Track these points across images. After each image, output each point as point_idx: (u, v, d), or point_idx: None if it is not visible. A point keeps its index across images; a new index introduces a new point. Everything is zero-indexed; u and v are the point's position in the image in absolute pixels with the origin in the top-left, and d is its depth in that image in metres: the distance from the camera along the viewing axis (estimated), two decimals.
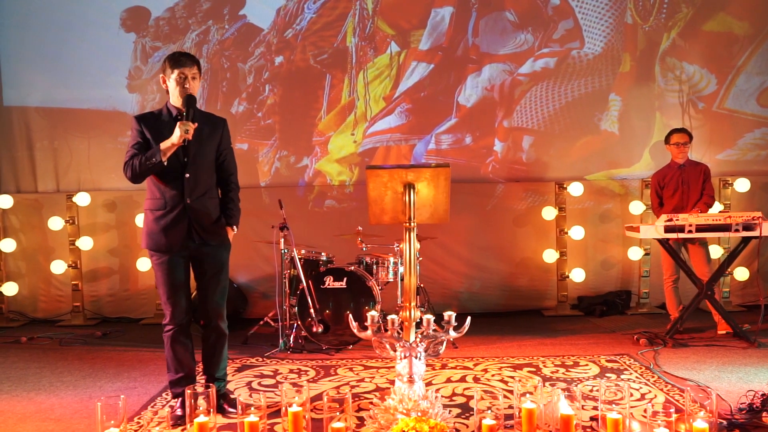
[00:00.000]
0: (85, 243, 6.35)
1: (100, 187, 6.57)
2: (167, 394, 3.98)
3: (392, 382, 3.54)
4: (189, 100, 3.40)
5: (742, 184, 6.27)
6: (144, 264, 6.34)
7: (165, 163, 3.36)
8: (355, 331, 3.32)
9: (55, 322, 6.36)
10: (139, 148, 3.43)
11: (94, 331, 5.90)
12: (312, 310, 4.95)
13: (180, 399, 3.53)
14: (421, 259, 5.57)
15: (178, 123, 3.33)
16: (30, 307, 6.53)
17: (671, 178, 5.36)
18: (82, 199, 6.34)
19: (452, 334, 3.25)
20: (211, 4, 6.51)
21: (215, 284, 3.64)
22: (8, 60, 6.56)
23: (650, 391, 3.83)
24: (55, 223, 6.30)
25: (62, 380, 4.40)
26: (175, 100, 3.47)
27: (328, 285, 5.10)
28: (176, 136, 3.31)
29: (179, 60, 3.43)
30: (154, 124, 3.47)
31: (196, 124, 3.39)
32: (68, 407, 3.84)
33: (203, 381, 3.76)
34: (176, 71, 3.41)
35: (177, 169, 3.45)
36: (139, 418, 3.59)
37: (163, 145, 3.34)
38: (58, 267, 6.32)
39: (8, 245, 6.37)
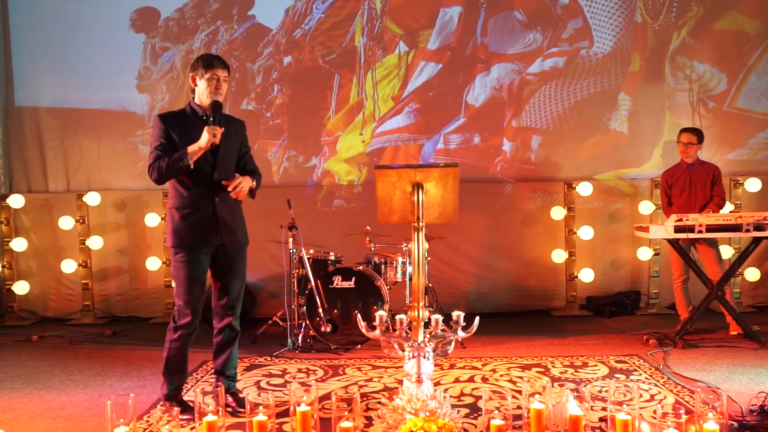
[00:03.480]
0: (95, 242, 6.38)
1: (110, 187, 6.61)
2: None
3: (400, 382, 3.54)
4: (216, 105, 3.47)
5: (753, 184, 6.23)
6: (153, 263, 6.37)
7: (192, 167, 3.42)
8: (363, 330, 3.33)
9: (66, 320, 6.40)
10: (163, 149, 3.46)
11: (104, 329, 5.93)
12: (320, 310, 4.96)
13: (181, 407, 3.54)
14: (429, 258, 5.56)
15: (207, 127, 3.39)
16: (41, 306, 6.58)
17: (679, 178, 5.33)
18: (92, 198, 6.37)
19: (461, 334, 3.24)
20: (220, 4, 6.53)
21: (235, 283, 3.69)
22: (19, 61, 6.60)
23: (660, 392, 3.82)
24: (66, 222, 6.34)
25: (72, 378, 4.43)
26: (204, 99, 3.52)
27: (337, 285, 5.11)
28: (204, 140, 3.38)
29: (212, 62, 3.51)
30: (179, 123, 3.51)
31: (223, 129, 3.46)
32: (78, 405, 3.86)
33: (212, 380, 3.77)
34: (210, 72, 3.48)
35: (205, 170, 3.51)
36: (148, 417, 3.61)
37: (191, 149, 3.40)
38: (69, 266, 6.36)
39: (19, 244, 6.42)
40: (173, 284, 3.60)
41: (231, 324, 3.69)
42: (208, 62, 3.50)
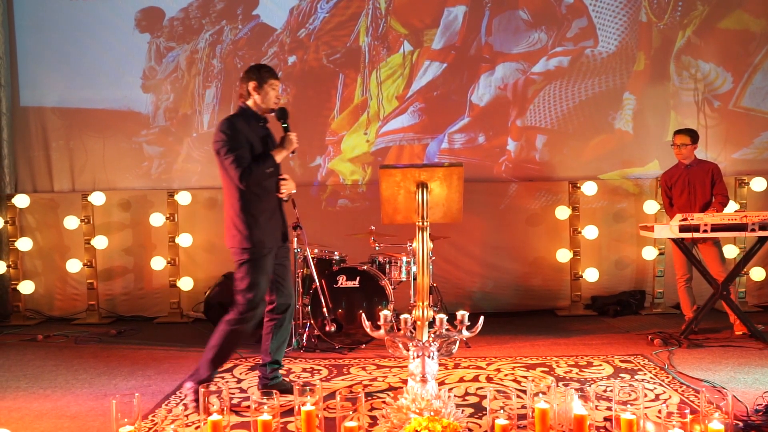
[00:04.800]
0: (100, 242, 6.40)
1: (115, 187, 6.62)
2: (181, 392, 4.01)
3: (405, 382, 3.54)
4: (285, 111, 3.84)
5: (759, 183, 6.20)
6: (158, 263, 6.38)
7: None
8: (367, 330, 3.33)
9: (71, 320, 6.42)
10: (244, 152, 3.65)
11: (109, 329, 5.94)
12: (325, 310, 4.96)
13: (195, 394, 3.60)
14: (434, 258, 5.56)
15: (291, 134, 3.79)
16: (46, 306, 6.60)
17: (678, 178, 5.32)
18: (97, 198, 6.39)
19: (465, 333, 3.24)
20: (224, 4, 6.54)
21: (289, 275, 4.02)
22: (25, 61, 6.62)
23: (665, 392, 3.81)
24: (71, 222, 6.36)
25: (77, 378, 4.45)
26: (261, 105, 3.78)
27: (341, 284, 5.11)
28: (288, 144, 3.78)
29: (269, 73, 3.79)
30: (246, 126, 3.73)
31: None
32: (83, 405, 3.88)
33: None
34: (275, 81, 3.80)
35: (276, 173, 3.80)
36: (153, 416, 3.62)
37: (279, 155, 3.76)
38: (74, 266, 6.38)
39: (25, 244, 6.44)
40: (241, 279, 3.73)
41: (292, 310, 4.03)
42: (266, 74, 3.77)
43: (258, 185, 3.69)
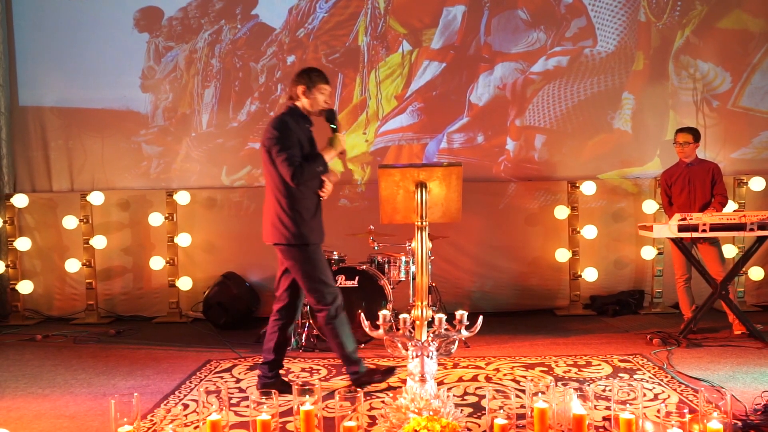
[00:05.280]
0: (99, 242, 6.39)
1: (113, 186, 6.62)
2: (180, 392, 4.02)
3: (404, 381, 3.54)
4: (333, 113, 3.93)
5: (757, 183, 6.21)
6: (157, 263, 6.38)
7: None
8: (366, 330, 3.33)
9: (70, 320, 6.41)
10: (296, 151, 3.74)
11: (108, 329, 5.94)
12: None
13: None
14: (432, 258, 5.56)
15: (340, 136, 3.89)
16: (45, 305, 6.59)
17: (678, 177, 5.32)
18: (96, 198, 6.39)
19: (464, 333, 3.24)
20: (223, 3, 6.53)
21: None
22: (23, 60, 6.62)
23: (664, 392, 3.81)
24: (70, 222, 6.35)
25: (76, 378, 4.44)
26: (310, 109, 3.88)
27: (340, 284, 5.11)
28: (338, 144, 3.88)
29: (319, 77, 3.89)
30: (296, 126, 3.83)
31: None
32: (82, 405, 3.87)
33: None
34: (324, 86, 3.89)
35: (323, 173, 3.90)
36: (152, 416, 3.61)
37: (328, 155, 3.86)
38: (73, 265, 6.37)
39: (24, 244, 6.43)
40: (307, 276, 3.86)
41: (299, 314, 4.21)
42: (316, 78, 3.87)
43: (305, 183, 3.79)
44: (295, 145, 3.75)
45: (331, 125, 3.89)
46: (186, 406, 3.76)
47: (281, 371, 4.07)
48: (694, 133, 5.25)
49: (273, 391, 3.22)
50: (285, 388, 3.75)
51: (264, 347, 4.00)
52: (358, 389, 3.57)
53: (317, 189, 3.91)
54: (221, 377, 4.33)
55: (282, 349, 4.00)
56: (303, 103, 3.89)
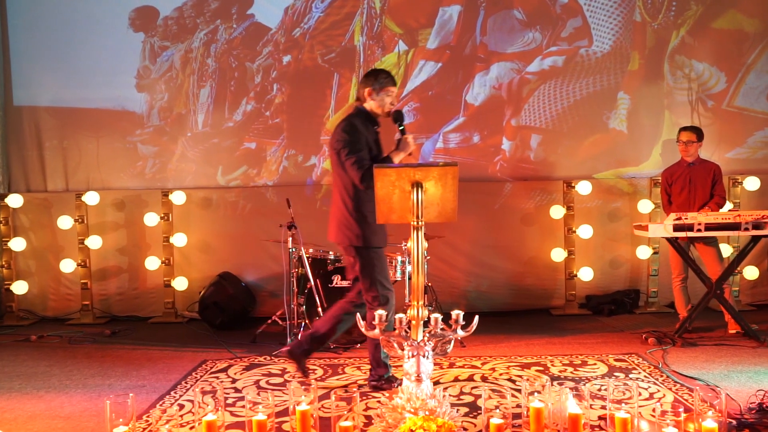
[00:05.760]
0: (94, 242, 6.37)
1: (109, 186, 6.60)
2: (175, 392, 4.01)
3: (400, 381, 3.54)
4: (401, 114, 3.91)
5: (752, 183, 6.23)
6: (153, 263, 6.36)
7: None
8: (363, 329, 3.33)
9: (65, 320, 6.40)
10: (365, 154, 3.78)
11: (103, 329, 5.92)
12: (320, 309, 4.96)
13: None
14: (428, 257, 5.56)
15: (407, 136, 3.85)
16: (40, 306, 6.57)
17: (679, 176, 5.33)
18: (91, 198, 6.37)
19: (460, 333, 3.24)
20: (219, 3, 6.52)
21: None
22: (18, 60, 6.59)
23: (659, 391, 3.82)
24: (65, 222, 6.33)
25: (71, 378, 4.43)
26: (377, 110, 3.90)
27: (336, 284, 5.11)
28: (406, 146, 3.85)
29: (387, 79, 3.89)
30: (364, 128, 3.86)
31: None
32: (77, 405, 3.86)
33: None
34: (386, 88, 3.88)
35: None
36: (147, 417, 3.60)
37: (397, 157, 3.85)
38: (68, 266, 6.35)
39: (18, 244, 6.41)
40: (368, 277, 3.90)
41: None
42: (384, 79, 3.88)
43: (372, 184, 3.76)
44: (364, 148, 3.79)
45: (399, 127, 3.87)
46: (182, 407, 3.75)
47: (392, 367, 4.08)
48: (698, 132, 5.26)
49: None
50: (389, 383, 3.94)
51: (375, 359, 4.01)
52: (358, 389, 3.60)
53: None
54: (217, 377, 4.32)
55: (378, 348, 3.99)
56: (370, 104, 3.91)
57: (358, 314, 3.53)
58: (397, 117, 3.90)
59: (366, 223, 3.86)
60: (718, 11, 6.40)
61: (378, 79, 3.88)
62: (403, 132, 3.87)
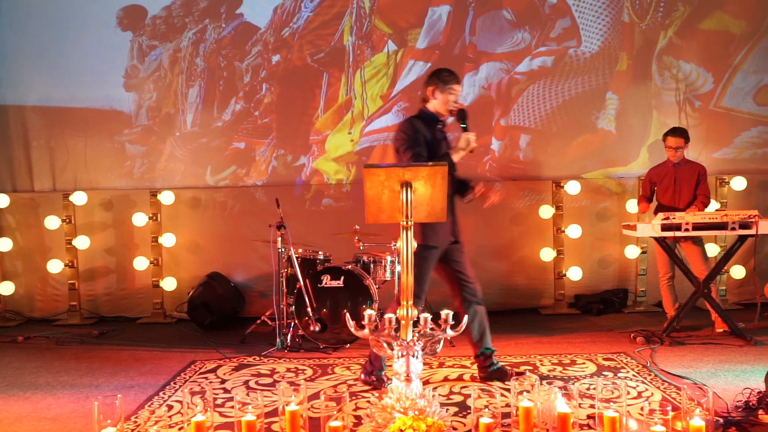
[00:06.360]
0: (81, 242, 6.33)
1: (97, 186, 6.56)
2: (164, 393, 3.99)
3: (390, 380, 3.54)
4: (464, 113, 3.92)
5: (739, 183, 6.28)
6: (141, 263, 6.33)
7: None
8: (352, 329, 3.32)
9: (52, 321, 6.35)
10: (422, 151, 3.81)
11: (91, 330, 5.89)
12: (309, 309, 4.95)
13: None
14: None
15: (468, 134, 3.86)
16: (27, 307, 6.52)
17: (665, 176, 5.37)
18: (78, 198, 6.33)
19: (449, 332, 3.25)
20: (207, 2, 6.50)
21: (469, 269, 4.12)
22: (5, 59, 6.54)
23: (647, 389, 3.84)
24: (52, 222, 6.29)
25: (59, 380, 4.40)
26: (440, 108, 3.93)
27: (326, 284, 5.10)
28: (465, 144, 3.85)
29: (451, 78, 3.92)
30: (424, 128, 3.90)
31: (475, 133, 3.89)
32: (65, 407, 3.84)
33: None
34: (449, 86, 3.91)
35: (450, 173, 3.82)
36: (136, 418, 3.58)
37: (456, 155, 3.85)
38: (55, 266, 6.31)
39: (5, 244, 6.36)
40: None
41: (481, 304, 4.10)
42: (448, 78, 3.91)
43: None
44: (421, 145, 3.82)
45: (462, 125, 3.89)
46: (170, 407, 3.73)
47: (494, 355, 4.12)
48: (686, 136, 5.30)
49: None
50: (503, 375, 4.01)
51: (469, 342, 4.11)
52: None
53: (449, 192, 3.90)
54: (206, 378, 4.31)
55: (483, 337, 4.08)
56: (434, 104, 3.95)
57: (347, 314, 3.52)
58: (461, 115, 3.92)
59: (426, 222, 3.86)
60: (705, 12, 6.45)
61: (441, 77, 3.92)
62: (465, 129, 3.89)
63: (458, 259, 4.05)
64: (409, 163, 3.53)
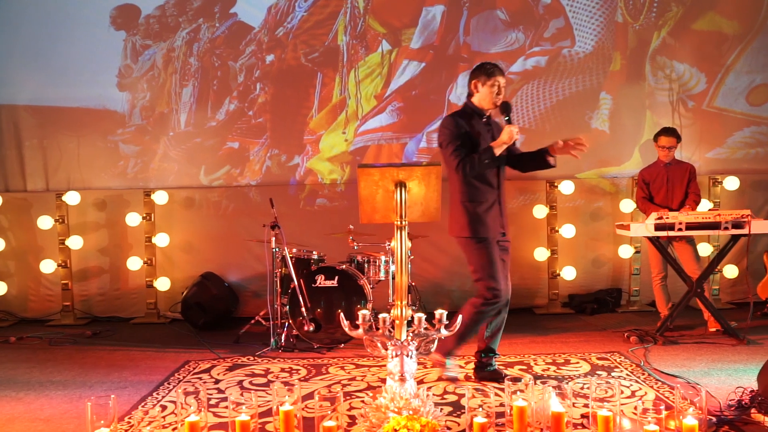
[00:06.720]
0: (75, 242, 6.31)
1: (90, 186, 6.54)
2: (158, 394, 3.98)
3: (384, 381, 3.54)
4: (508, 106, 3.90)
5: (732, 182, 6.30)
6: (135, 263, 6.31)
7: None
8: (346, 329, 3.32)
9: (45, 321, 6.32)
10: (463, 146, 3.87)
11: (84, 330, 5.87)
12: (303, 309, 4.95)
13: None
14: (412, 257, 5.57)
15: (510, 126, 3.82)
16: (19, 307, 6.49)
17: (657, 176, 5.39)
18: (71, 198, 6.30)
19: (443, 332, 3.25)
20: (201, 2, 6.48)
21: (507, 269, 4.16)
22: None
23: (640, 389, 3.85)
24: (45, 222, 6.26)
25: (52, 380, 4.38)
26: (484, 103, 3.95)
27: (320, 284, 5.10)
28: (507, 136, 3.82)
29: (494, 71, 3.92)
30: (469, 123, 3.94)
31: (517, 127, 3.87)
32: (58, 407, 3.82)
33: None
34: (492, 79, 3.91)
35: (495, 165, 3.95)
36: (129, 418, 3.57)
37: (497, 145, 3.84)
38: (48, 266, 6.28)
39: None
40: (474, 270, 4.01)
41: (506, 309, 4.15)
42: (491, 71, 3.91)
43: (474, 174, 3.87)
44: (462, 138, 3.87)
45: (505, 118, 3.88)
46: (164, 408, 3.72)
47: (495, 359, 4.18)
48: (678, 136, 5.33)
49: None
50: (497, 377, 4.04)
51: (477, 336, 4.15)
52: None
53: (496, 186, 3.99)
54: (200, 378, 4.30)
55: (493, 338, 4.14)
56: (478, 98, 3.98)
57: (341, 314, 3.52)
58: (504, 108, 3.91)
59: (475, 214, 3.93)
60: (698, 13, 6.47)
61: (484, 69, 3.94)
62: (508, 122, 3.87)
63: (502, 257, 4.09)
64: (402, 163, 3.52)
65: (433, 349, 3.35)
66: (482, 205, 3.95)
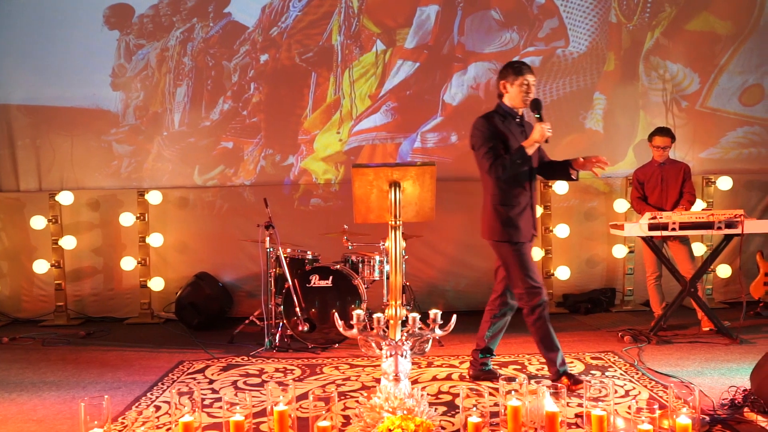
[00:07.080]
0: (68, 242, 6.28)
1: (83, 186, 6.51)
2: (152, 394, 3.97)
3: (378, 381, 3.54)
4: (539, 103, 3.83)
5: (725, 182, 6.32)
6: (128, 263, 6.29)
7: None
8: (340, 329, 3.32)
9: (38, 322, 6.30)
10: (496, 146, 3.81)
11: (78, 330, 5.85)
12: (298, 309, 4.94)
13: (571, 379, 3.82)
14: (407, 257, 5.57)
15: (541, 124, 3.73)
16: (12, 307, 6.46)
17: (651, 175, 5.41)
18: (65, 197, 6.27)
19: (438, 332, 3.25)
20: (195, 1, 6.46)
21: None
22: None
23: (634, 388, 3.86)
24: (38, 222, 6.23)
25: (45, 381, 4.36)
26: (515, 102, 3.90)
27: (314, 284, 5.09)
28: (539, 134, 3.73)
29: (522, 69, 3.86)
30: (502, 123, 3.89)
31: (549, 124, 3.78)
32: (51, 408, 3.81)
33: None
34: (521, 78, 3.84)
35: (527, 166, 3.87)
36: (123, 419, 3.56)
37: (528, 144, 3.77)
38: (41, 266, 6.26)
39: None
40: (511, 273, 3.94)
41: (514, 308, 4.14)
42: (518, 69, 3.86)
43: (507, 175, 3.81)
44: (494, 140, 3.82)
45: (536, 116, 3.81)
46: (158, 408, 3.71)
47: (491, 360, 4.19)
48: (672, 136, 5.36)
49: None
50: (491, 377, 4.04)
51: (477, 334, 4.16)
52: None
53: (528, 189, 3.92)
54: (194, 378, 4.29)
55: (493, 338, 4.15)
56: (508, 97, 3.93)
57: (336, 314, 3.51)
58: (534, 105, 3.84)
59: (508, 217, 3.87)
60: (692, 13, 6.49)
61: (512, 68, 3.89)
62: (539, 119, 3.80)
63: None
64: (397, 163, 3.51)
65: (427, 349, 3.34)
66: (515, 209, 3.88)
